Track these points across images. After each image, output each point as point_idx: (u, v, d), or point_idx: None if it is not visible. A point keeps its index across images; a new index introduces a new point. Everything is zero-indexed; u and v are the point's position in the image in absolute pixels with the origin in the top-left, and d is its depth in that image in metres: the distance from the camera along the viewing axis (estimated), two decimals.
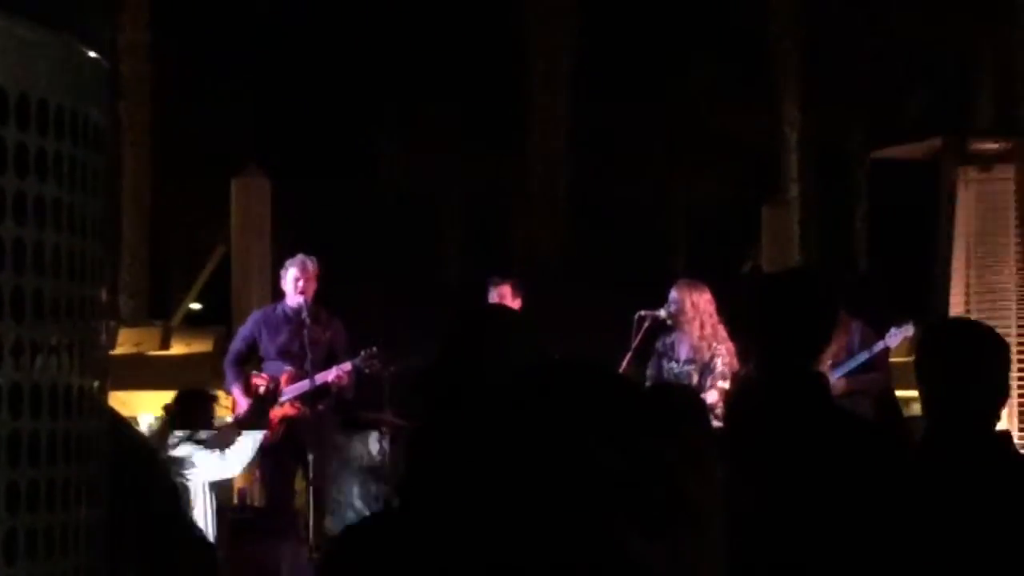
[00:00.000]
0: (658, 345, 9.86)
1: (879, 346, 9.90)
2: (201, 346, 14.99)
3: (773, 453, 3.67)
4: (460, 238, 31.97)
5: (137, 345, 15.04)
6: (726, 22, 26.04)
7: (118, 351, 14.36)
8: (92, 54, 1.25)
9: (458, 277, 28.02)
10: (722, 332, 9.61)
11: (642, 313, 9.72)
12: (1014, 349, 7.95)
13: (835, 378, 10.20)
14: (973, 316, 7.55)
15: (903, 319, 10.10)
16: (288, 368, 10.12)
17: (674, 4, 26.46)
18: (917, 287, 21.09)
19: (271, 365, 10.28)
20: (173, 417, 8.94)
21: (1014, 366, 7.79)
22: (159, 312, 22.91)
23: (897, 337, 10.07)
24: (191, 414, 8.97)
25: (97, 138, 1.28)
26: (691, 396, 3.11)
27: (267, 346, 10.31)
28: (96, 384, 1.29)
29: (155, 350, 15.03)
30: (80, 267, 1.27)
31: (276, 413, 10.08)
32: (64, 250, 1.23)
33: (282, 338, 10.21)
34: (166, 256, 28.47)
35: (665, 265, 28.42)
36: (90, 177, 1.28)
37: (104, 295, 1.31)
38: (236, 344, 10.53)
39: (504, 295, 10.43)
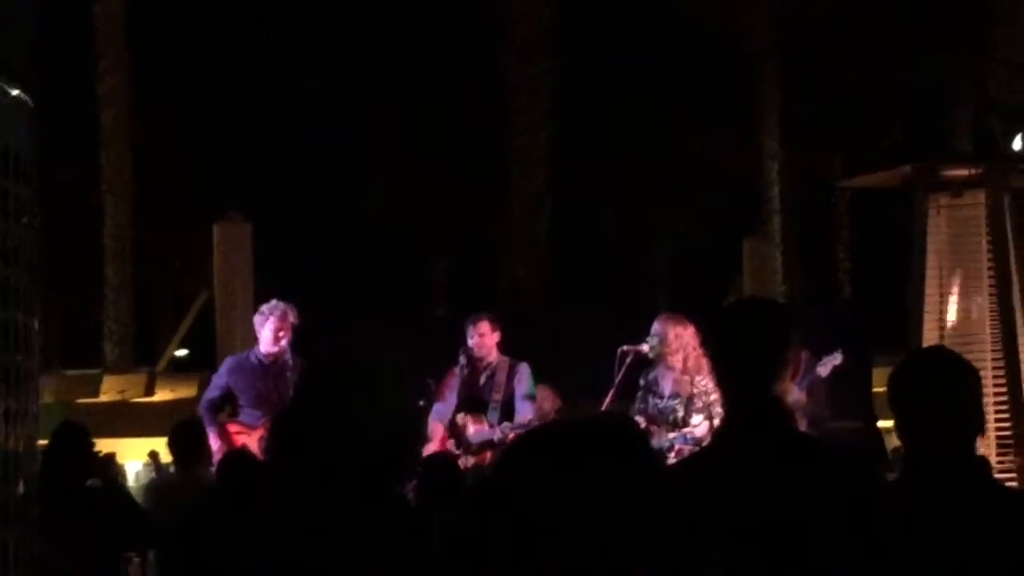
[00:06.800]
0: (642, 381, 9.83)
1: (813, 374, 10.11)
2: (185, 391, 15.00)
3: (731, 486, 3.69)
4: (446, 275, 32.06)
5: (121, 392, 15.05)
6: (707, 58, 26.18)
7: (102, 398, 14.36)
8: (16, 92, 1.29)
9: (444, 313, 28.03)
10: (706, 365, 9.58)
11: (624, 348, 9.68)
12: (989, 375, 7.95)
13: None
14: (947, 343, 7.55)
15: (832, 348, 10.34)
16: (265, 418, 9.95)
17: (655, 40, 26.60)
18: (901, 315, 21.09)
19: (247, 413, 10.16)
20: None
21: (990, 392, 7.82)
22: (145, 359, 22.90)
23: (827, 366, 10.25)
24: (189, 447, 8.88)
25: (21, 170, 1.32)
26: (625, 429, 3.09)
27: (243, 394, 10.17)
28: (22, 450, 1.34)
29: (139, 397, 15.04)
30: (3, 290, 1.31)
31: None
32: None
33: (260, 386, 10.08)
34: (151, 303, 28.49)
35: (648, 298, 28.47)
36: (15, 206, 1.31)
37: (36, 324, 1.35)
38: (210, 392, 10.28)
39: (483, 330, 10.36)
